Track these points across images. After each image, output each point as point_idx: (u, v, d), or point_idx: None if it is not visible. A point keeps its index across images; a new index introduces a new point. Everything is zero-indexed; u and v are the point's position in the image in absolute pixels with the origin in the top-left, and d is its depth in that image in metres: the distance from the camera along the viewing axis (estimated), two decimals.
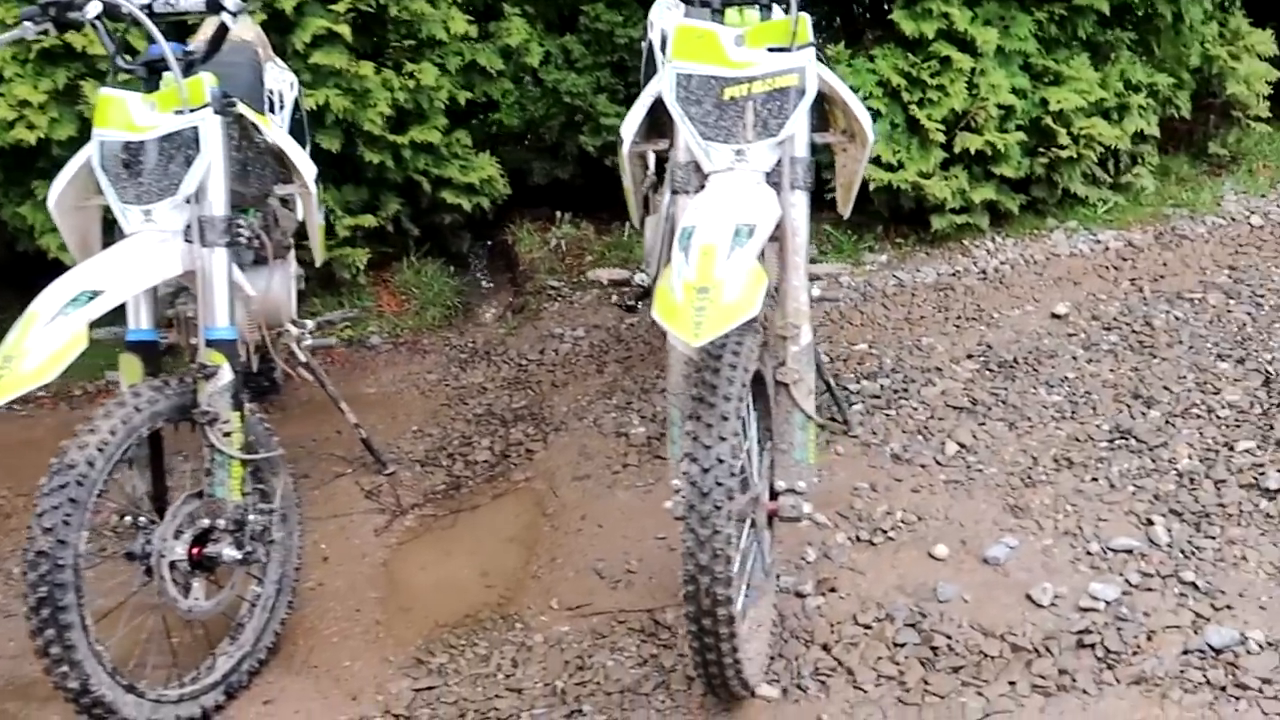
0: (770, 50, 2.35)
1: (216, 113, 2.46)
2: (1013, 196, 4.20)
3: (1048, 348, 3.59)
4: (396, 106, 3.95)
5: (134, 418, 2.31)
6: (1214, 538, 2.70)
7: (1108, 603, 2.54)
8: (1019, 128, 4.07)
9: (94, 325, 2.25)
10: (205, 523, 2.45)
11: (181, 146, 2.43)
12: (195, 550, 2.44)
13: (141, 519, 2.45)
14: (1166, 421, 3.15)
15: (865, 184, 4.05)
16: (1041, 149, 4.11)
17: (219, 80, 2.51)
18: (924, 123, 3.92)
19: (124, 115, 2.47)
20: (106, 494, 2.31)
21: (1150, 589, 2.57)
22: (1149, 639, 2.44)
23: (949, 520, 2.88)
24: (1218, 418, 3.14)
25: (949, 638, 2.51)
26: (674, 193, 2.46)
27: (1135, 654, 2.39)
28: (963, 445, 3.15)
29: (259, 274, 2.89)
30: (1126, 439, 3.10)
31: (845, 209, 2.94)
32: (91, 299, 2.24)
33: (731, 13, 2.51)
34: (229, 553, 2.44)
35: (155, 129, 2.44)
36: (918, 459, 3.13)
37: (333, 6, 3.73)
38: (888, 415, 3.34)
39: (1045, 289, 3.94)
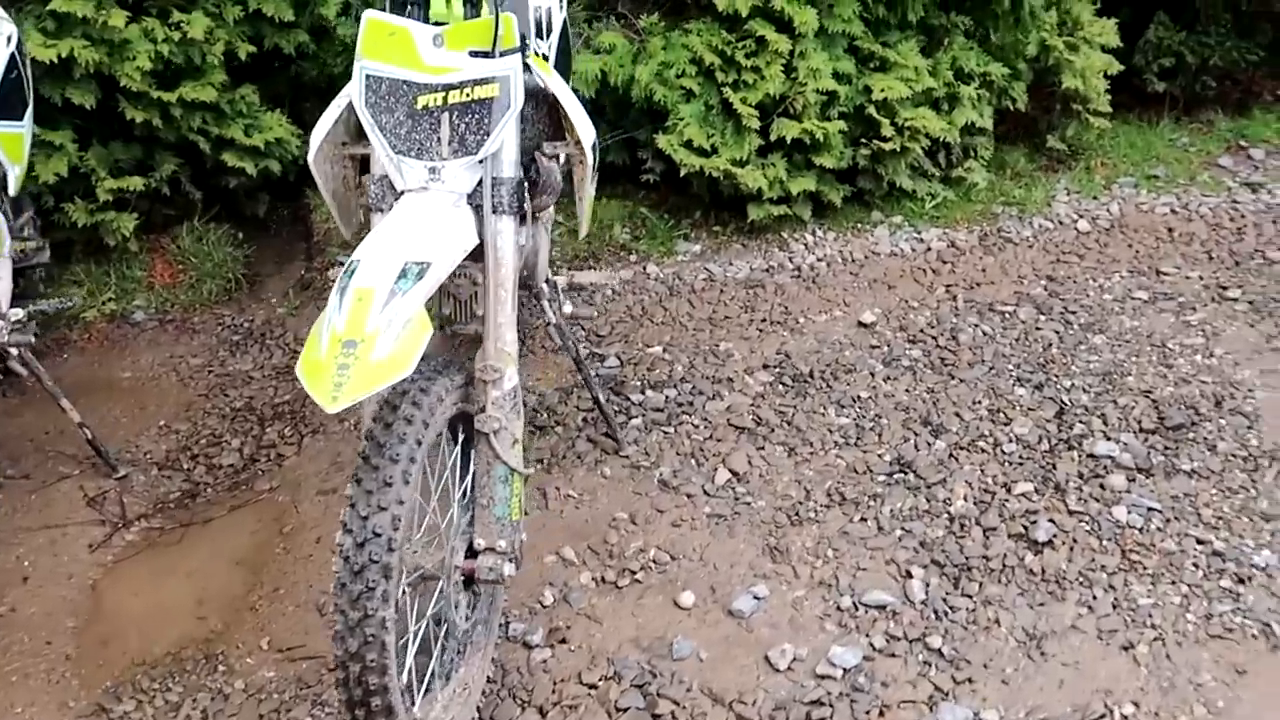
0: (472, 54, 2.05)
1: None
2: (836, 187, 3.96)
3: (847, 360, 3.38)
4: (165, 60, 3.57)
5: None
6: (971, 595, 2.53)
7: (846, 670, 2.36)
8: (842, 115, 3.81)
9: None
10: None
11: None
12: None
13: None
14: (950, 454, 2.97)
15: (676, 166, 3.81)
16: (864, 139, 3.86)
17: None
18: (738, 107, 3.65)
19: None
20: None
21: (894, 654, 2.40)
22: (880, 715, 2.27)
23: (704, 562, 2.68)
24: (1003, 453, 2.96)
25: (675, 703, 2.32)
26: (369, 210, 2.17)
27: None
28: (735, 473, 2.94)
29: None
30: (906, 473, 2.91)
31: (584, 228, 2.60)
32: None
33: (438, 2, 2.18)
34: None
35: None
36: (685, 487, 2.91)
37: None
38: (665, 433, 3.11)
39: (858, 292, 3.73)
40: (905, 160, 3.91)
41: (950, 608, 2.50)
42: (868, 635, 2.45)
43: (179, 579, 2.76)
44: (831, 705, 2.28)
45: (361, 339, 1.79)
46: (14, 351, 2.88)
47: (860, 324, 3.56)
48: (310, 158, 2.20)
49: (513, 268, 2.13)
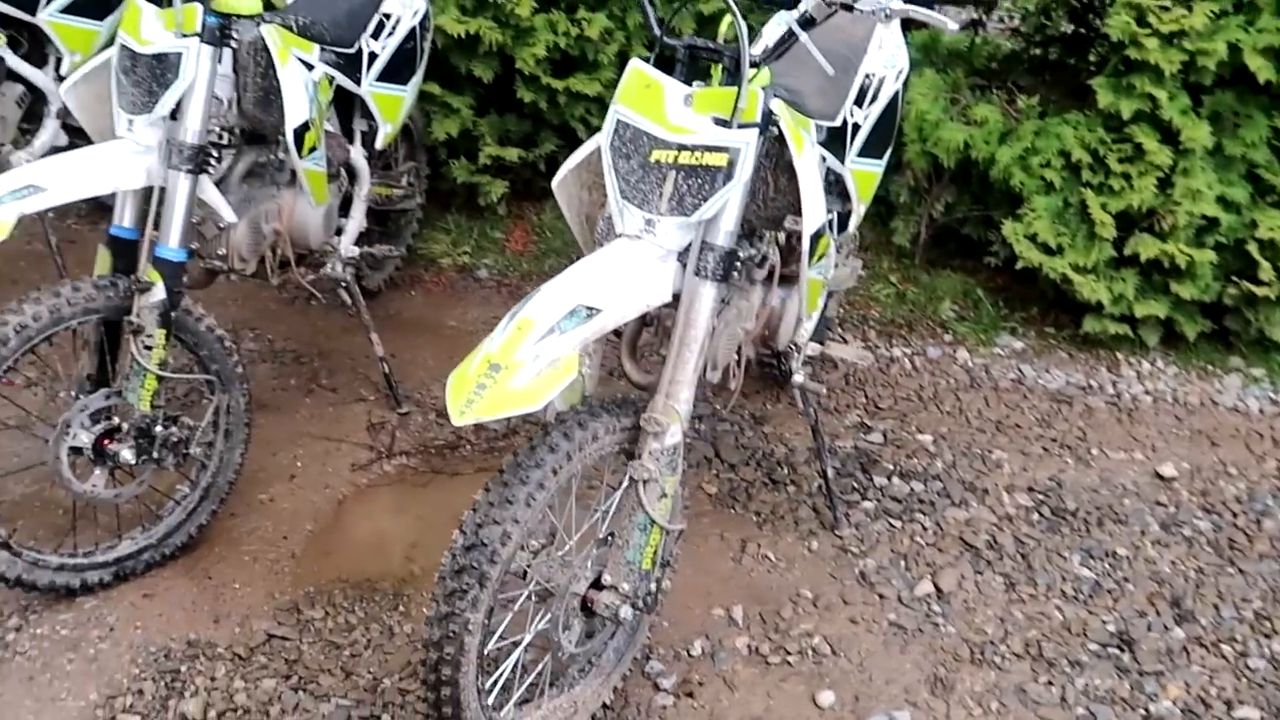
0: (715, 120, 2.08)
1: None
2: (1194, 320, 3.57)
3: (1123, 510, 3.09)
4: (561, 50, 3.87)
5: (63, 309, 2.46)
6: None
7: None
8: (1218, 245, 3.43)
9: None
10: (115, 421, 2.60)
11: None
12: (104, 442, 2.61)
13: (61, 396, 2.62)
14: (1184, 648, 2.65)
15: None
16: (1237, 277, 3.45)
17: None
18: (1094, 212, 3.39)
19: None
20: (15, 369, 2.49)
21: None
22: None
23: (862, 668, 2.59)
24: (1245, 667, 2.60)
25: None
26: (597, 243, 2.27)
27: None
28: (939, 590, 2.80)
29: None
30: (1123, 651, 2.64)
31: (802, 309, 2.48)
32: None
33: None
34: (125, 454, 2.57)
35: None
36: (882, 586, 2.81)
37: None
38: (890, 526, 3.01)
39: (1172, 440, 3.37)
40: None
41: None
42: None
43: (408, 519, 3.05)
44: None
45: (506, 365, 1.91)
46: (344, 281, 3.28)
47: (1157, 475, 3.22)
48: (554, 182, 2.34)
49: (703, 331, 2.15)
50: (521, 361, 1.92)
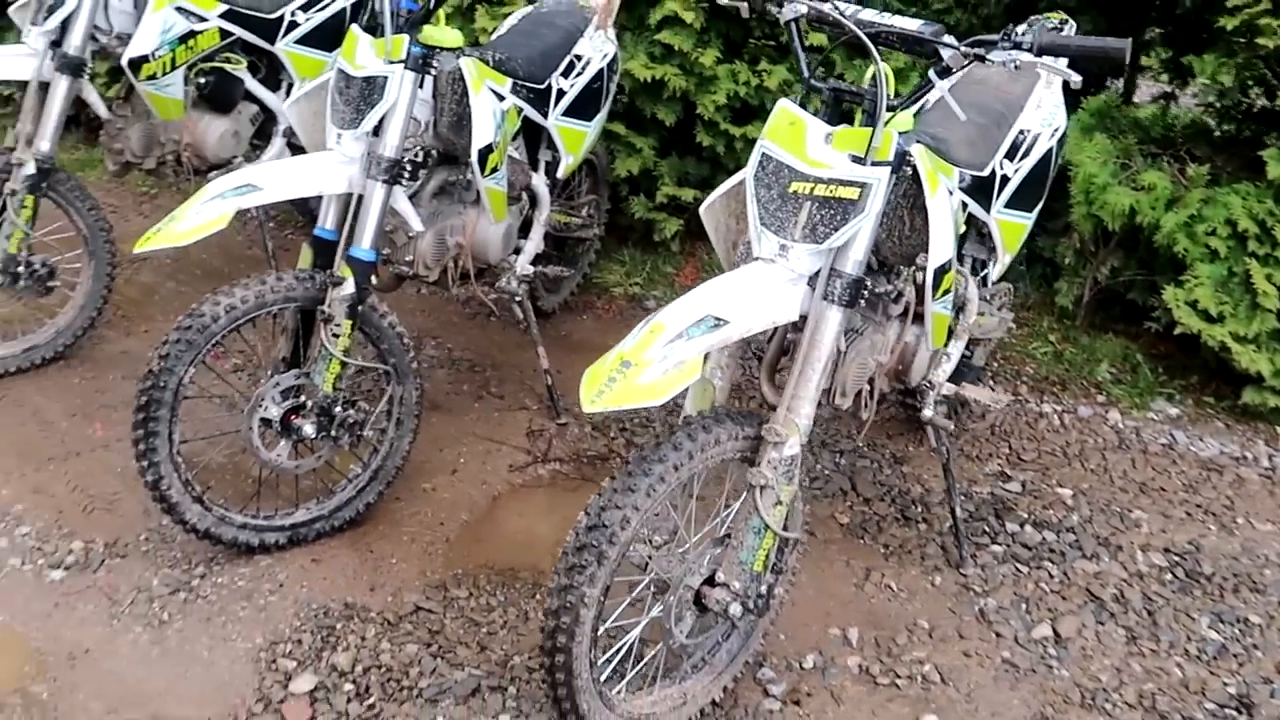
0: (851, 158, 2.24)
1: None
2: None
3: (1263, 580, 3.04)
4: (740, 99, 4.09)
5: (266, 295, 2.79)
6: None
7: None
8: None
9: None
10: (302, 399, 2.91)
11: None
12: (290, 417, 2.93)
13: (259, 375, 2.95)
14: None
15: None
16: None
17: None
18: (1258, 282, 3.37)
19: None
20: (221, 345, 2.83)
21: None
22: None
23: (969, 700, 2.65)
24: None
25: None
26: (737, 265, 2.45)
27: None
28: (1057, 634, 2.83)
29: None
30: (1240, 713, 2.62)
31: (928, 344, 2.59)
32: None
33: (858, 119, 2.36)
34: (307, 429, 2.88)
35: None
36: (999, 625, 2.86)
37: None
38: (1017, 571, 3.05)
39: None
40: None
41: None
42: None
43: (555, 519, 3.26)
44: None
45: (636, 362, 2.11)
46: (518, 296, 3.55)
47: None
48: (702, 208, 2.53)
49: (826, 352, 2.30)
50: (650, 360, 2.11)
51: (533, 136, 3.53)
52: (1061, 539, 3.18)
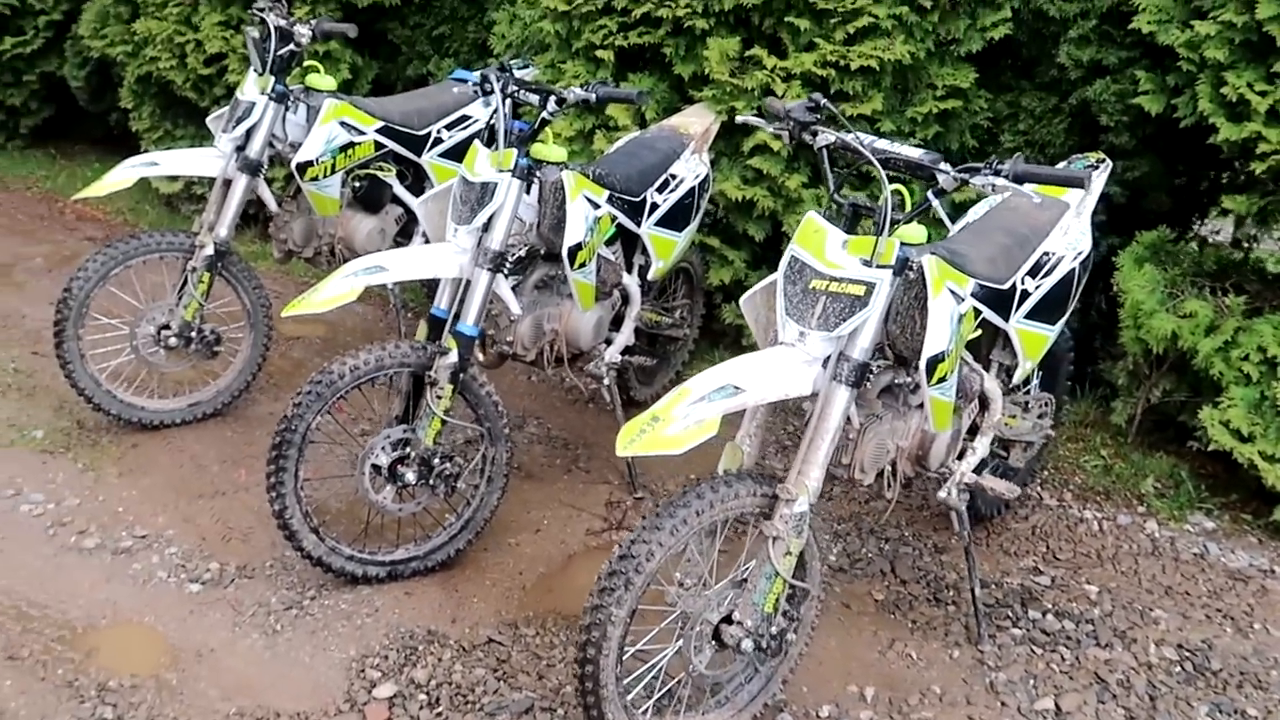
0: (862, 261, 2.67)
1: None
2: None
3: (1267, 679, 3.24)
4: None
5: (385, 360, 3.34)
6: None
7: None
8: None
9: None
10: (407, 451, 3.43)
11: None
12: (396, 466, 3.44)
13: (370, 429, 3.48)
14: None
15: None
16: None
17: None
18: None
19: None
20: (344, 399, 3.37)
21: None
22: None
23: None
24: None
25: None
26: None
27: None
28: (1059, 709, 3.10)
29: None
30: None
31: (931, 423, 2.96)
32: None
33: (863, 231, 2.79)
34: (409, 476, 3.39)
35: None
36: (1006, 695, 3.14)
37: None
38: (1032, 652, 3.33)
39: None
40: None
41: None
42: None
43: None
44: None
45: (664, 418, 2.55)
46: (605, 381, 4.03)
47: None
48: (742, 300, 2.98)
49: (834, 425, 2.70)
50: (674, 417, 2.55)
51: (629, 242, 4.05)
52: (1080, 628, 3.44)
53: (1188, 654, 3.35)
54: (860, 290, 2.66)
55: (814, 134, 2.88)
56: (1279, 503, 3.83)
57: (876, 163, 2.71)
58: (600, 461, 4.33)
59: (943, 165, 2.68)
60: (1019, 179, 2.60)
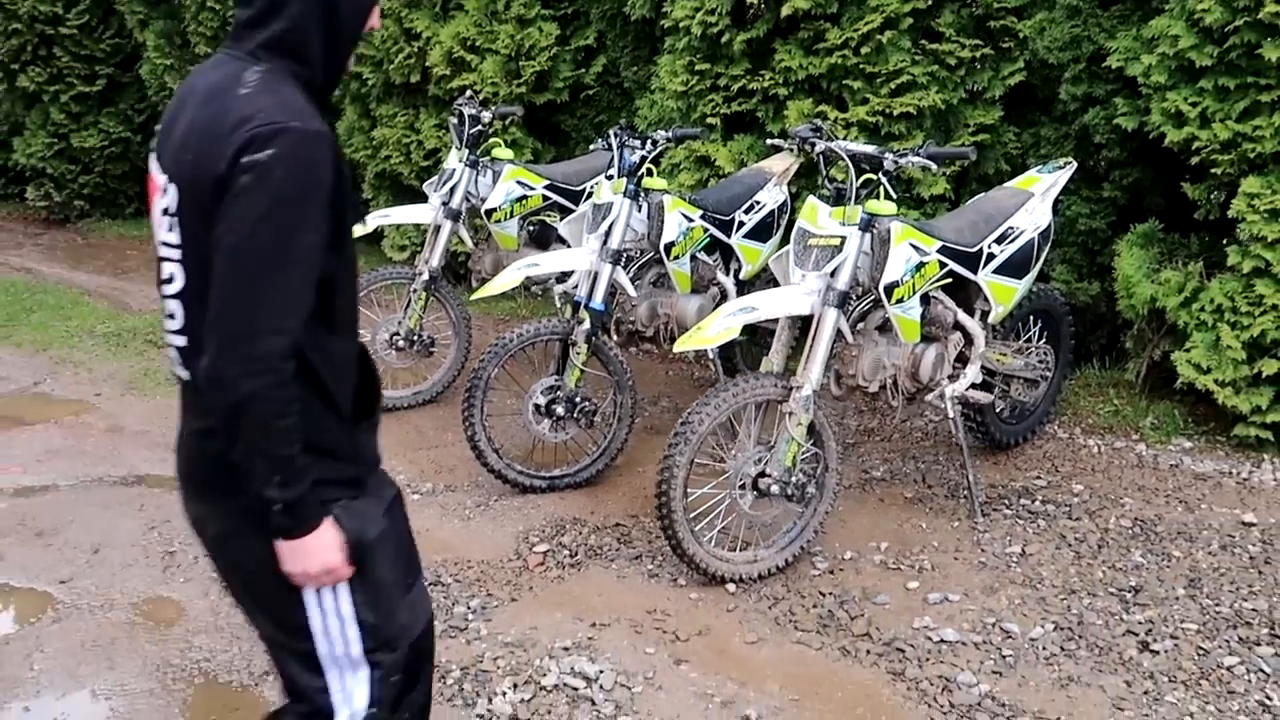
0: (840, 224, 3.97)
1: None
2: None
3: (1198, 535, 4.24)
4: None
5: (541, 329, 4.80)
6: None
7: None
8: None
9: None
10: (558, 393, 4.85)
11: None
12: (550, 404, 4.87)
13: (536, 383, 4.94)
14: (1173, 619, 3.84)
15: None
16: None
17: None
18: (1226, 339, 4.62)
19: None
20: (513, 358, 4.84)
21: None
22: None
23: (945, 577, 4.09)
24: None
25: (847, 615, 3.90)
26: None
27: None
28: (1024, 553, 4.20)
29: None
30: (1130, 594, 3.88)
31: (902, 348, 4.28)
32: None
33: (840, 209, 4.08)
34: (559, 410, 4.82)
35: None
36: (985, 545, 4.27)
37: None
38: (1016, 523, 4.43)
39: (1274, 505, 4.41)
40: None
41: None
42: None
43: None
44: None
45: (704, 327, 3.91)
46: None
47: (1242, 521, 4.32)
48: (771, 261, 4.31)
49: (827, 336, 3.98)
50: (710, 323, 3.91)
51: (723, 251, 5.42)
52: (1059, 509, 4.52)
53: (1140, 522, 4.39)
54: (838, 241, 3.96)
55: (812, 145, 4.23)
56: (1239, 423, 4.80)
57: (849, 158, 4.03)
58: None
59: (887, 155, 3.98)
60: (932, 158, 3.88)
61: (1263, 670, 3.43)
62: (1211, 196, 4.91)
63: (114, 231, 11.49)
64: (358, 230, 5.78)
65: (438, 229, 5.87)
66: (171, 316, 2.15)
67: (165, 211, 2.10)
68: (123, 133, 11.28)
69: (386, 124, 8.14)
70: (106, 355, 7.18)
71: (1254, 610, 3.74)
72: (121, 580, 4.25)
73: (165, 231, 2.10)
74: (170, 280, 2.12)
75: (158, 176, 2.12)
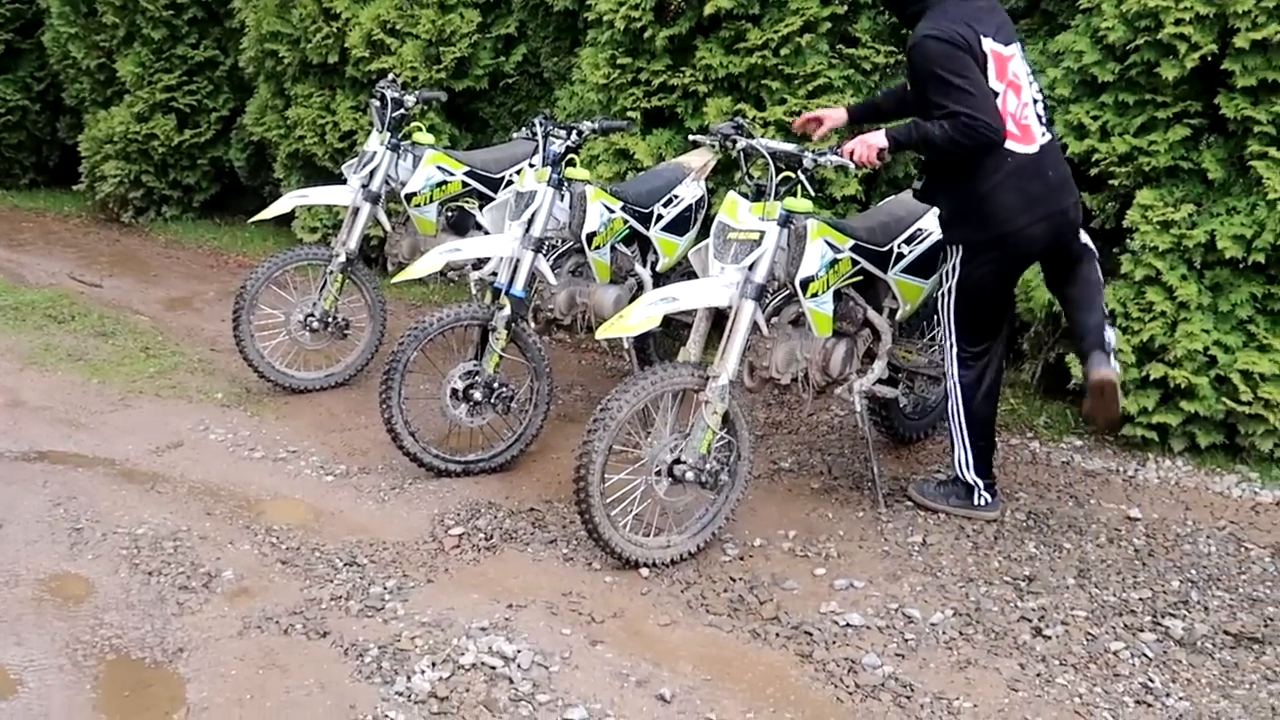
0: (759, 219, 4.09)
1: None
2: (1208, 432, 4.86)
3: (1085, 528, 4.46)
4: None
5: (461, 314, 4.84)
6: None
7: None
8: (1219, 377, 4.76)
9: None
10: (475, 379, 4.90)
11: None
12: (467, 390, 4.91)
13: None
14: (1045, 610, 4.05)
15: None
16: (1227, 399, 4.74)
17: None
18: (1118, 343, 4.87)
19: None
20: (431, 342, 4.87)
21: None
22: None
23: (849, 563, 4.23)
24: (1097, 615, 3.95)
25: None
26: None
27: None
28: (925, 542, 4.37)
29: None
30: (1025, 582, 4.07)
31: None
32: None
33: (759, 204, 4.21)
34: (476, 395, 4.86)
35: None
36: (889, 535, 4.43)
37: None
38: (917, 514, 4.61)
39: (1154, 502, 4.65)
40: (1264, 426, 4.70)
41: None
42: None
43: None
44: None
45: (626, 315, 4.00)
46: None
47: (1127, 516, 4.56)
48: (690, 253, 4.42)
49: (744, 327, 4.09)
50: (633, 313, 4.00)
51: (641, 243, 5.51)
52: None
53: (1033, 515, 4.60)
54: (756, 236, 4.08)
55: (733, 142, 4.34)
56: (1127, 423, 5.05)
57: (769, 156, 4.15)
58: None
59: (806, 154, 4.11)
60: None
61: (1146, 655, 3.64)
62: (1107, 207, 5.15)
63: (8, 203, 11.18)
64: (270, 211, 5.75)
65: (356, 211, 5.86)
66: None
67: None
68: (20, 100, 10.99)
69: (301, 104, 8.07)
70: (4, 329, 7.00)
71: (1139, 599, 3.96)
72: (26, 556, 4.19)
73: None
74: None
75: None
